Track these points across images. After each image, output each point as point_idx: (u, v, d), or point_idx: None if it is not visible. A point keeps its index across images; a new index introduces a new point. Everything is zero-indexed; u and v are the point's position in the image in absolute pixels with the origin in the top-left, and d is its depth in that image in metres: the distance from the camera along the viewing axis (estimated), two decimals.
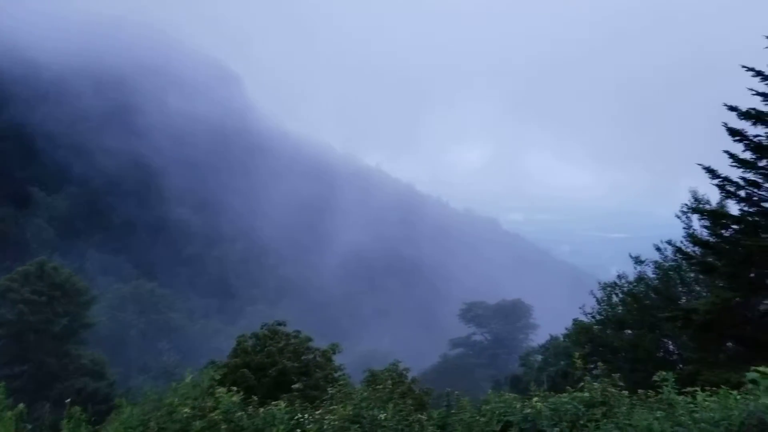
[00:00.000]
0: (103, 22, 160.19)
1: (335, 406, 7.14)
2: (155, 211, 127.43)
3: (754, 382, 7.38)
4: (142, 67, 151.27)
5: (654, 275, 25.27)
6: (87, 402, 12.07)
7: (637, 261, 26.53)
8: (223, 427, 6.20)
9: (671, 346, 23.90)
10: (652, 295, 24.46)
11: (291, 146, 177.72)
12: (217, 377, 8.15)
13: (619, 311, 25.99)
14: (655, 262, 25.54)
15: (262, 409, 6.89)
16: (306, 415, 6.61)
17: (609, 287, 27.12)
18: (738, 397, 6.92)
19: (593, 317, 27.34)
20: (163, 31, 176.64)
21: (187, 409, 6.48)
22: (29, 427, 6.48)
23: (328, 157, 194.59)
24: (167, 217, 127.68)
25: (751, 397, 6.88)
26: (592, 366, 20.96)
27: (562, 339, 37.98)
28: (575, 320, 29.46)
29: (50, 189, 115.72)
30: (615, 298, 26.69)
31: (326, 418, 6.46)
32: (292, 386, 10.06)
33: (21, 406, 6.49)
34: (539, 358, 47.32)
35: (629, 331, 24.77)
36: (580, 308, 29.28)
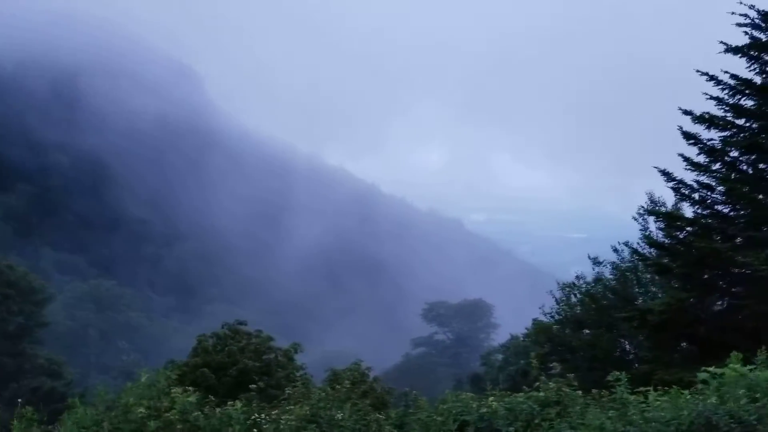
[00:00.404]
0: (58, 15, 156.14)
1: (292, 407, 7.10)
2: (112, 208, 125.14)
3: (704, 382, 7.58)
4: (97, 63, 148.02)
5: (611, 276, 25.79)
6: (42, 402, 11.82)
7: (595, 262, 27.06)
8: (178, 427, 6.12)
9: (628, 346, 24.43)
10: (610, 295, 24.94)
11: (252, 145, 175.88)
12: (173, 377, 8.04)
13: (578, 311, 26.44)
14: (613, 263, 26.07)
15: (219, 409, 6.81)
16: (263, 415, 6.56)
17: (568, 287, 27.55)
18: (688, 396, 7.09)
19: (552, 317, 27.76)
20: (123, 26, 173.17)
21: (142, 409, 6.40)
22: None
23: (291, 156, 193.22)
24: (124, 214, 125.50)
25: (701, 397, 7.05)
26: (550, 365, 21.26)
27: (522, 338, 38.43)
28: (535, 320, 29.86)
29: (3, 187, 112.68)
30: (573, 299, 27.13)
31: (283, 418, 6.42)
32: (250, 386, 9.99)
33: None
34: (500, 357, 47.82)
35: (587, 331, 25.22)
36: (539, 308, 29.70)
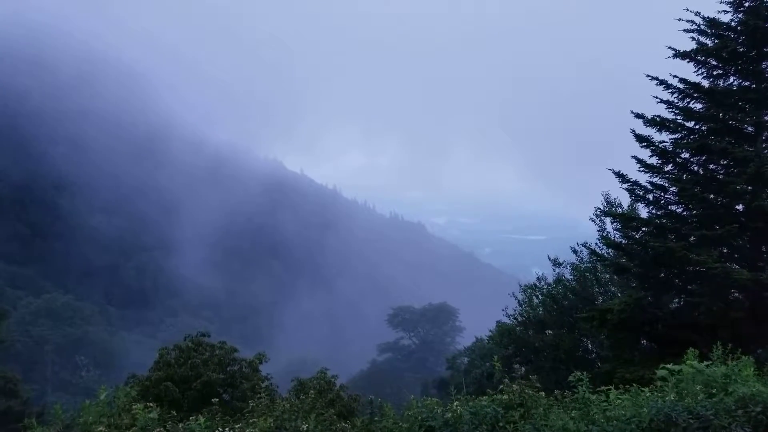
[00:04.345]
0: None
1: (256, 419, 7.02)
2: (65, 219, 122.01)
3: (663, 379, 7.75)
4: (39, 68, 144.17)
5: (571, 276, 26.19)
6: None
7: (555, 263, 27.47)
8: None
9: (590, 346, 24.84)
10: (570, 296, 25.34)
11: (212, 154, 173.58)
12: (134, 393, 7.87)
13: (540, 312, 26.77)
14: (572, 264, 26.49)
15: (181, 425, 6.69)
16: (227, 429, 6.46)
17: (529, 289, 27.89)
18: (648, 394, 7.24)
19: (515, 319, 28.05)
20: (69, 34, 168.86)
21: (102, 428, 6.25)
22: None
23: (252, 165, 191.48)
24: (77, 225, 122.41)
25: (660, 394, 7.21)
26: (513, 367, 21.49)
27: (486, 341, 38.71)
28: (498, 322, 30.12)
29: None
30: (535, 300, 27.46)
31: (247, 431, 6.34)
32: (212, 399, 9.83)
33: None
34: (465, 360, 48.09)
35: (550, 332, 25.55)
36: (502, 310, 29.98)
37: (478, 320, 66.51)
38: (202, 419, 6.54)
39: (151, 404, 7.00)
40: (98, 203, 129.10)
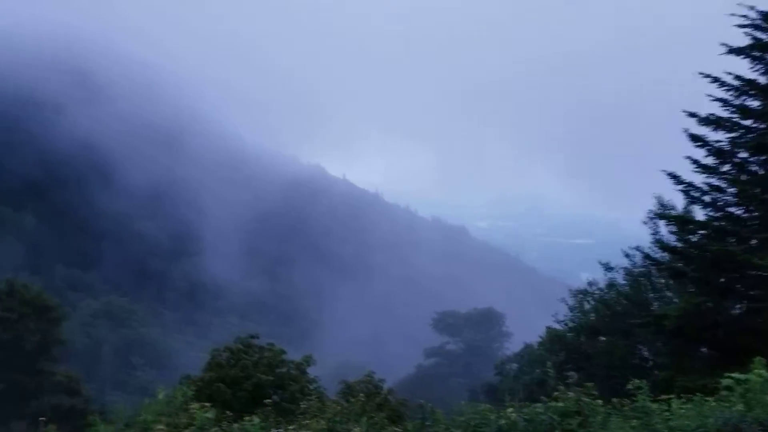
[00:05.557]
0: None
1: (308, 421, 7.04)
2: (121, 226, 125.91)
3: (729, 388, 7.43)
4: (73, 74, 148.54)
5: (624, 282, 25.55)
6: (63, 419, 11.87)
7: (607, 268, 26.81)
8: None
9: (645, 353, 24.16)
10: (624, 301, 24.71)
11: (251, 157, 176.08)
12: (190, 393, 8.00)
13: (592, 318, 26.20)
14: (625, 268, 25.83)
15: (236, 425, 6.76)
16: (280, 430, 6.50)
17: (580, 294, 27.35)
18: (713, 404, 6.96)
19: (566, 324, 27.54)
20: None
21: (161, 426, 6.37)
22: None
23: (294, 169, 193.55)
24: (126, 229, 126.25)
25: (726, 404, 6.93)
26: (566, 374, 21.04)
27: (536, 347, 38.14)
28: (548, 328, 29.64)
29: (17, 205, 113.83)
30: (587, 305, 26.90)
31: None
32: (265, 401, 9.91)
33: None
34: (514, 366, 47.46)
35: (602, 338, 24.99)
36: (552, 316, 29.48)
37: (525, 325, 65.58)
38: (256, 419, 6.60)
39: (206, 404, 7.10)
40: (141, 206, 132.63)
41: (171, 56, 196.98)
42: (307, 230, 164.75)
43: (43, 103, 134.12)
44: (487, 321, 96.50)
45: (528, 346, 43.58)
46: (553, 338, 27.35)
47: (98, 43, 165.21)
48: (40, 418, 6.51)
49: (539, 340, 34.36)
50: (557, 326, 28.38)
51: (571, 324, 27.08)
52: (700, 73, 16.57)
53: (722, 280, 16.57)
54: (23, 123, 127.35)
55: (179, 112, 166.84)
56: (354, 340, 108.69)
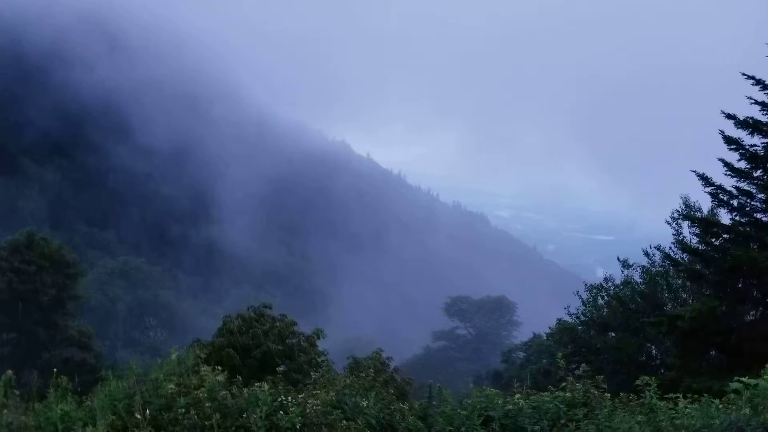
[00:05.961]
0: None
1: (318, 391, 7.13)
2: (142, 187, 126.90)
3: (737, 392, 7.40)
4: (106, 37, 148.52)
5: (641, 280, 25.41)
6: (74, 372, 12.09)
7: (625, 265, 26.68)
8: (207, 405, 6.18)
9: (654, 351, 24.10)
10: (638, 299, 24.60)
11: (280, 130, 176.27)
12: (203, 356, 8.12)
13: (604, 313, 26.13)
14: (643, 266, 25.68)
15: (246, 390, 6.87)
16: (289, 398, 6.59)
17: (595, 289, 27.24)
18: (720, 406, 6.95)
19: (578, 318, 27.49)
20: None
21: (172, 385, 6.47)
22: (17, 393, 6.46)
23: (319, 144, 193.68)
24: (154, 194, 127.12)
25: (733, 407, 6.91)
26: (574, 366, 21.05)
27: (545, 337, 38.16)
28: (559, 320, 29.61)
29: (41, 161, 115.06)
30: (600, 301, 26.81)
31: (309, 402, 6.45)
32: (277, 369, 10.05)
33: (9, 372, 6.47)
34: (521, 355, 47.57)
35: (613, 334, 24.93)
36: (565, 308, 29.43)
37: (537, 316, 65.57)
38: (266, 386, 6.70)
39: (218, 368, 7.21)
40: (163, 168, 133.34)
41: (202, 29, 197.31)
42: (326, 205, 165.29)
43: (69, 59, 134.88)
44: (499, 309, 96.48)
45: (536, 336, 43.64)
46: (563, 330, 27.34)
47: (127, 3, 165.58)
48: (53, 369, 6.65)
49: (548, 331, 34.39)
50: (568, 319, 28.34)
51: (582, 318, 27.03)
52: (743, 74, 16.23)
53: (740, 285, 16.40)
54: (50, 76, 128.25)
55: (207, 77, 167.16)
56: (364, 318, 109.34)
